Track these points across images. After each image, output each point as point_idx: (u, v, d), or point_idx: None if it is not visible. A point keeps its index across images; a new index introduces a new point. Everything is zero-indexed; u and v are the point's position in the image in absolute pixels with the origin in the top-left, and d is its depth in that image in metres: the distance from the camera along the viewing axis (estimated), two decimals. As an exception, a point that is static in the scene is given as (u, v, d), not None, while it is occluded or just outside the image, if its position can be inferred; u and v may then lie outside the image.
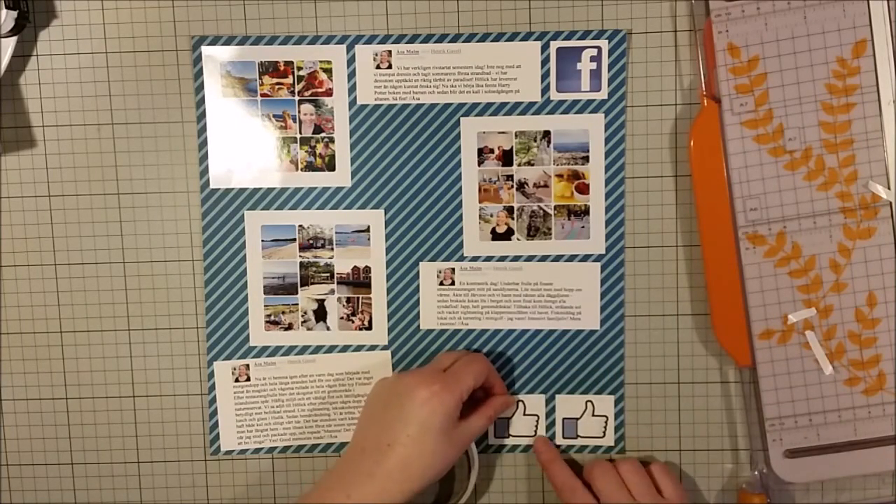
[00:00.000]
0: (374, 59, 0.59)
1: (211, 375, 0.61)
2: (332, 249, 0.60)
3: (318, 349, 0.60)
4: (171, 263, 0.61)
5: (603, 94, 0.58)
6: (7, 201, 0.61)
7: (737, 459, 0.60)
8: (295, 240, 0.60)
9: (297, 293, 0.60)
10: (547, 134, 0.59)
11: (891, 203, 0.56)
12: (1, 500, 0.62)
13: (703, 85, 0.57)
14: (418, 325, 0.60)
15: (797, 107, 0.56)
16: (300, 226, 0.60)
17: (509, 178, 0.59)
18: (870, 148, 0.56)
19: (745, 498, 0.59)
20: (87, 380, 0.61)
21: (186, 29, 0.59)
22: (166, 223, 0.60)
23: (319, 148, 0.59)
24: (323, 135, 0.59)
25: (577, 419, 0.60)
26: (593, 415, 0.60)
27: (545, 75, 0.58)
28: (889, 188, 0.56)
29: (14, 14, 0.56)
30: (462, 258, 0.60)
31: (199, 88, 0.59)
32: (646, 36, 0.58)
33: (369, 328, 0.60)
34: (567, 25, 0.58)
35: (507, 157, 0.59)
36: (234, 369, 0.60)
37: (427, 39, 0.58)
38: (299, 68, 0.59)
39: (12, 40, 0.57)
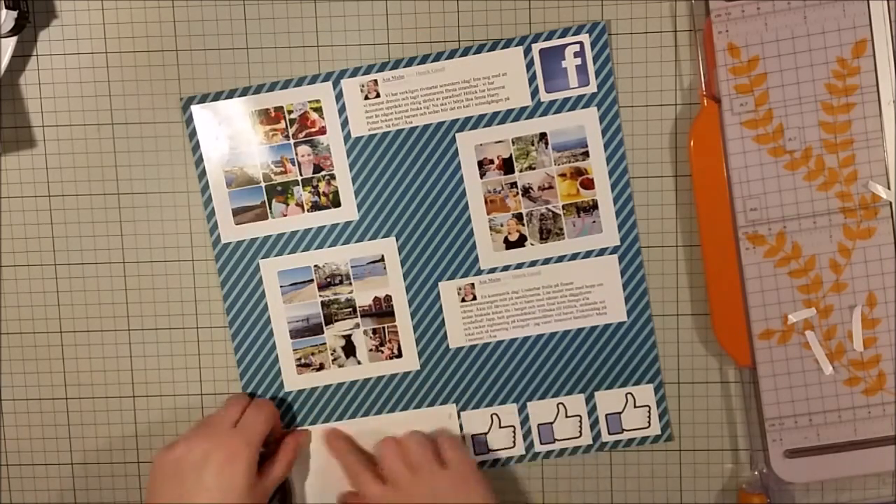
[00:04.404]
0: (362, 91, 0.59)
1: None
2: (351, 284, 0.60)
3: (352, 385, 0.60)
4: (171, 263, 0.61)
5: (592, 88, 0.58)
6: (7, 201, 0.61)
7: (737, 459, 0.60)
8: (313, 280, 0.60)
9: (322, 332, 0.60)
10: (543, 136, 0.59)
11: (891, 203, 0.56)
12: (1, 500, 0.62)
13: (703, 85, 0.57)
14: (447, 345, 0.60)
15: (797, 107, 0.56)
16: (315, 266, 0.60)
17: (513, 185, 0.59)
18: (870, 148, 0.56)
19: (745, 498, 0.59)
20: (87, 380, 0.61)
21: (186, 29, 0.59)
22: (166, 223, 0.60)
23: (322, 186, 0.59)
24: (323, 173, 0.59)
25: (620, 413, 0.60)
26: (635, 406, 0.60)
27: (532, 78, 0.58)
28: (889, 188, 0.56)
29: (14, 14, 0.56)
30: (479, 271, 0.60)
31: (196, 148, 0.59)
32: (646, 36, 0.58)
33: (399, 356, 0.60)
34: (567, 27, 0.58)
35: (507, 165, 0.59)
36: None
37: (410, 63, 0.58)
38: (289, 112, 0.59)
39: (12, 40, 0.57)
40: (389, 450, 0.57)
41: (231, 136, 0.59)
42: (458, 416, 0.60)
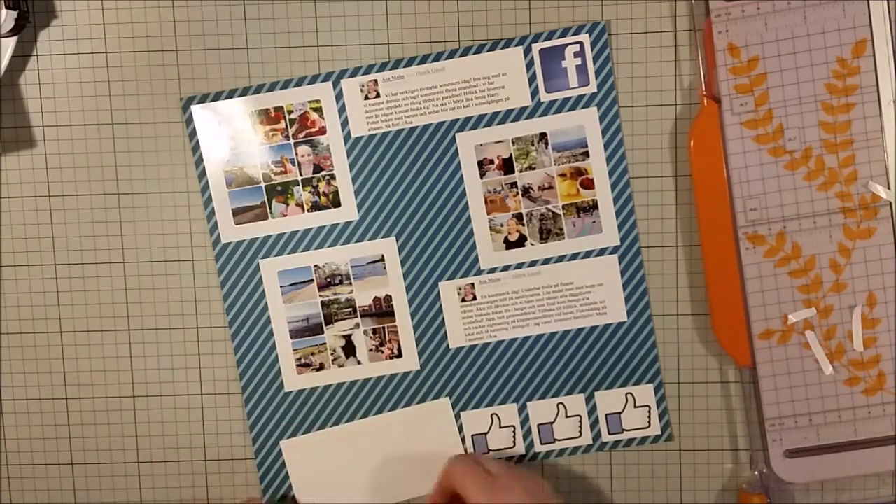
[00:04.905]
0: (362, 91, 0.59)
1: (256, 438, 0.61)
2: (351, 284, 0.60)
3: (352, 385, 0.60)
4: (171, 263, 0.61)
5: (592, 88, 0.58)
6: (7, 201, 0.61)
7: (737, 459, 0.60)
8: (312, 280, 0.60)
9: (322, 332, 0.60)
10: (543, 136, 0.59)
11: (891, 203, 0.56)
12: (1, 500, 0.62)
13: (703, 85, 0.57)
14: (447, 345, 0.60)
15: (797, 107, 0.56)
16: (315, 266, 0.60)
17: (513, 185, 0.59)
18: (870, 148, 0.56)
19: (745, 498, 0.59)
20: (87, 380, 0.61)
21: (186, 29, 0.59)
22: (166, 223, 0.60)
23: (322, 186, 0.59)
24: (323, 173, 0.59)
25: (620, 413, 0.60)
26: (635, 406, 0.60)
27: (532, 78, 0.58)
28: (889, 188, 0.56)
29: (14, 14, 0.56)
30: (479, 272, 0.60)
31: (196, 148, 0.59)
32: (646, 36, 0.58)
33: (399, 356, 0.60)
34: (567, 27, 0.58)
35: (507, 166, 0.59)
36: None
37: (410, 63, 0.58)
38: (289, 112, 0.59)
39: (12, 40, 0.57)
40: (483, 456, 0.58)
41: (231, 136, 0.59)
42: (459, 417, 0.60)
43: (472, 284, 0.60)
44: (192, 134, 0.59)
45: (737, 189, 0.56)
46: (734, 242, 0.57)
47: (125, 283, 0.61)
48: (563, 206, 0.59)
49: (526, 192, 0.59)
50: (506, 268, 0.59)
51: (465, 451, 0.60)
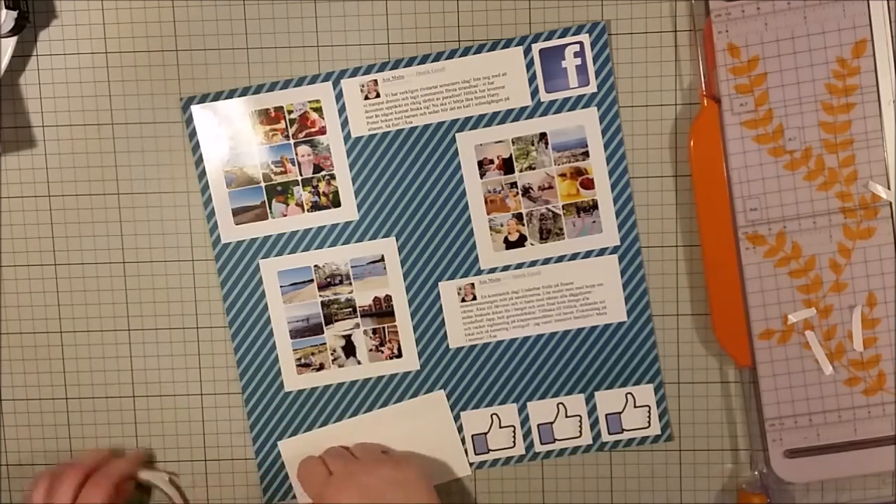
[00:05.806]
0: (362, 91, 0.59)
1: (256, 438, 0.61)
2: (351, 284, 0.60)
3: (352, 385, 0.60)
4: (171, 263, 0.61)
5: (592, 88, 0.58)
6: (7, 201, 0.61)
7: (737, 459, 0.60)
8: (312, 280, 0.60)
9: (322, 332, 0.60)
10: (543, 136, 0.59)
11: (891, 203, 0.56)
12: (1, 500, 0.62)
13: (703, 85, 0.57)
14: (447, 345, 0.60)
15: (797, 107, 0.56)
16: (315, 266, 0.60)
17: (513, 185, 0.59)
18: (870, 148, 0.56)
19: (745, 498, 0.59)
20: (87, 380, 0.61)
21: (186, 29, 0.59)
22: (166, 223, 0.60)
23: (322, 186, 0.59)
24: (323, 173, 0.59)
25: (620, 413, 0.60)
26: (635, 406, 0.60)
27: (532, 78, 0.58)
28: (889, 188, 0.56)
29: (14, 14, 0.56)
30: (479, 272, 0.60)
31: (196, 148, 0.59)
32: (646, 36, 0.58)
33: (399, 356, 0.60)
34: (567, 27, 0.58)
35: (507, 165, 0.59)
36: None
37: (410, 63, 0.58)
38: (289, 112, 0.59)
39: (12, 40, 0.57)
40: (333, 449, 0.59)
41: (231, 136, 0.59)
42: (458, 417, 0.60)
43: (472, 284, 0.60)
44: (192, 134, 0.59)
45: (737, 189, 0.56)
46: (734, 242, 0.57)
47: (125, 283, 0.61)
48: (563, 206, 0.59)
49: (526, 192, 0.59)
50: (506, 268, 0.59)
51: (465, 448, 0.61)
